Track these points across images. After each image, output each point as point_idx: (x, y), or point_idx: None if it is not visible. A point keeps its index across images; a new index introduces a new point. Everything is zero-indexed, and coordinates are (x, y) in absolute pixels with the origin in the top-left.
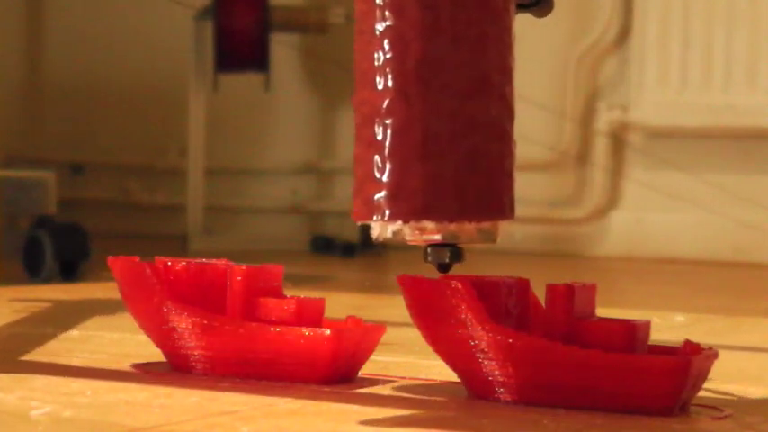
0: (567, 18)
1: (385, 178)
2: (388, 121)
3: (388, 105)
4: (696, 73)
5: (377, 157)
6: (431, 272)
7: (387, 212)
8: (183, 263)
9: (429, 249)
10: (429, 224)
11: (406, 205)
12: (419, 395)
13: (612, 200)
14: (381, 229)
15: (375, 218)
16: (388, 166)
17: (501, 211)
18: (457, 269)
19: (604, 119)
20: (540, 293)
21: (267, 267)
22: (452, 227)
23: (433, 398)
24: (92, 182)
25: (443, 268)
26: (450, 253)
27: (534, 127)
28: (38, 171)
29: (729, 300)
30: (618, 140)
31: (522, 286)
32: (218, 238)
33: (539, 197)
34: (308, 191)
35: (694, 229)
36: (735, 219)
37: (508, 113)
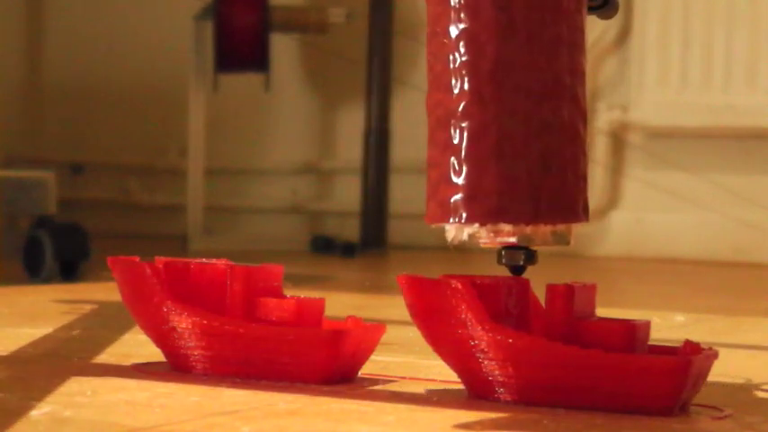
0: None
1: (461, 181)
2: (464, 124)
3: (464, 108)
4: (696, 73)
5: (453, 160)
6: (431, 272)
7: (464, 215)
8: (183, 263)
9: (503, 252)
10: (505, 227)
11: (482, 207)
12: (419, 395)
13: (612, 200)
14: (457, 231)
15: (451, 220)
16: (464, 169)
17: (575, 213)
18: (459, 270)
19: (604, 119)
20: (540, 293)
21: (267, 267)
22: (528, 229)
23: (433, 398)
24: (92, 182)
25: (517, 270)
26: (524, 255)
27: None
28: (38, 171)
29: (729, 300)
30: (618, 140)
31: (522, 286)
32: (218, 238)
33: None
34: (308, 191)
35: (694, 229)
36: (735, 219)
37: (581, 115)
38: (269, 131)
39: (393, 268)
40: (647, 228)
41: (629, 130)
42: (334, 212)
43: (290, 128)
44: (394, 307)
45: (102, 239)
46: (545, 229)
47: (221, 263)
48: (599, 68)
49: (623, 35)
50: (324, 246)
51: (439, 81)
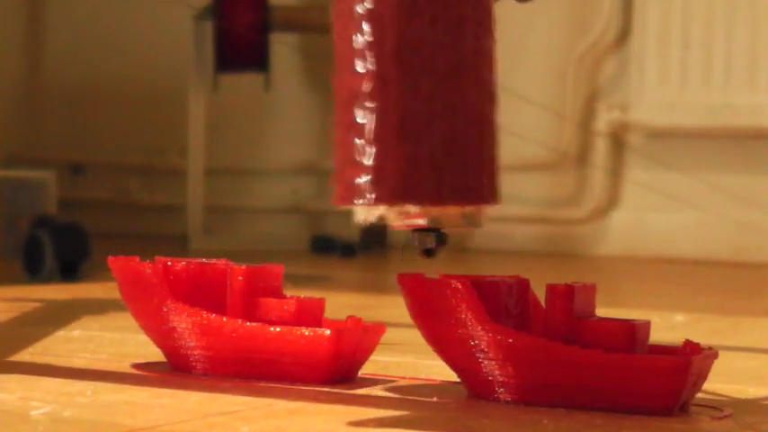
0: (566, 18)
1: (366, 162)
2: (367, 104)
3: (367, 88)
4: (696, 73)
5: (358, 141)
6: (431, 271)
7: (369, 196)
8: (183, 263)
9: (415, 235)
10: (412, 208)
11: (386, 188)
12: (419, 395)
13: (612, 200)
14: (365, 213)
15: (358, 202)
16: (369, 150)
17: (480, 195)
18: (459, 270)
19: (604, 119)
20: (540, 293)
21: (267, 267)
22: (435, 211)
23: (433, 398)
24: (92, 182)
25: (428, 253)
26: (435, 238)
27: (534, 127)
28: (38, 171)
29: (729, 300)
30: (618, 140)
31: (522, 286)
32: (218, 238)
33: (539, 197)
34: (308, 191)
35: (694, 229)
36: (735, 219)
37: (488, 97)
38: (269, 131)
39: (393, 268)
40: (647, 228)
41: (629, 131)
42: (334, 212)
43: (290, 128)
44: (394, 307)
45: (102, 239)
46: (453, 211)
47: (221, 263)
48: (599, 68)
49: (623, 35)
50: (324, 246)
51: (344, 62)
